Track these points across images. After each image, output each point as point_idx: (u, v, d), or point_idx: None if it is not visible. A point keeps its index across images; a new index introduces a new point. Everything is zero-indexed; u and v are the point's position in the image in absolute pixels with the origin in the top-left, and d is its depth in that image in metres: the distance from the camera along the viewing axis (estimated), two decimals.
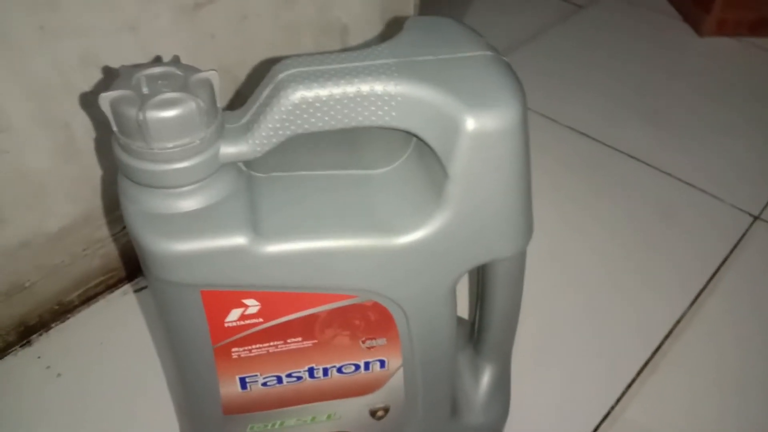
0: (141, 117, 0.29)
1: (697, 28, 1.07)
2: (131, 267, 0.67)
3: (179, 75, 0.31)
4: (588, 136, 0.86)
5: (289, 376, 0.39)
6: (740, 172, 0.80)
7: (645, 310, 0.64)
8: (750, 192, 0.77)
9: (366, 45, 0.33)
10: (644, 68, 0.99)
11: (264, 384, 0.39)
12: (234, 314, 0.35)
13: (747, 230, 0.72)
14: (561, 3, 1.16)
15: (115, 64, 0.54)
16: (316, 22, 0.68)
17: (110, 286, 0.66)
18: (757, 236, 0.71)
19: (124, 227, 0.63)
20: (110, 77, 0.54)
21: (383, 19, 0.74)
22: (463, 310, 0.59)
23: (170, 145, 0.30)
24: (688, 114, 0.90)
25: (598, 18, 1.12)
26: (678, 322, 0.62)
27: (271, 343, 0.37)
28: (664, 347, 0.60)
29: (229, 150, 0.32)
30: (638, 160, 0.82)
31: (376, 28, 0.74)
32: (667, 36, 1.07)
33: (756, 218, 0.74)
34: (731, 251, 0.69)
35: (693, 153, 0.83)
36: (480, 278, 0.42)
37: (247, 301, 0.35)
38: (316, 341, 0.38)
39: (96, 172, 0.59)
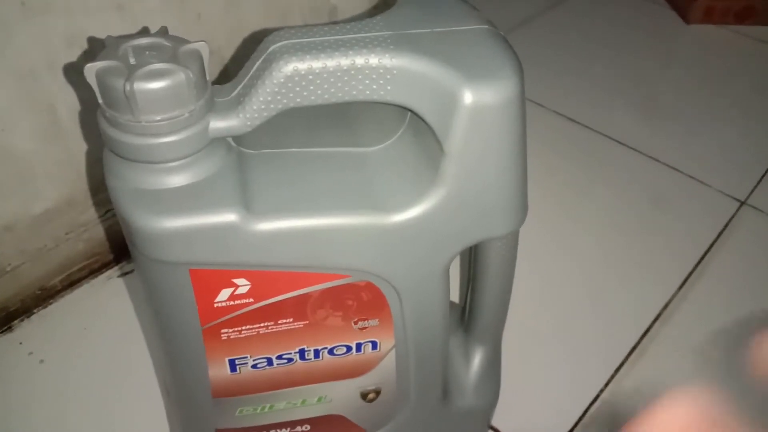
0: (128, 88, 0.28)
1: (684, 16, 1.07)
2: (115, 251, 0.65)
3: (168, 46, 0.30)
4: (576, 121, 0.86)
5: (279, 358, 0.38)
6: (727, 158, 0.81)
7: (634, 293, 0.64)
8: (737, 178, 0.77)
9: (351, 20, 0.32)
10: (631, 55, 0.99)
11: (254, 366, 0.38)
12: (224, 294, 0.34)
13: (734, 215, 0.72)
14: None
15: (91, 36, 0.53)
16: (305, 2, 0.67)
17: (94, 271, 0.65)
18: (744, 221, 0.72)
19: (108, 211, 0.62)
20: (96, 49, 0.52)
21: (371, 1, 0.74)
22: (454, 296, 0.59)
23: (158, 117, 0.29)
24: (676, 101, 0.91)
25: (586, 5, 1.12)
26: (666, 305, 0.63)
27: (262, 324, 0.36)
28: (652, 331, 0.60)
29: (218, 124, 0.31)
30: (626, 146, 0.82)
31: (364, 10, 0.73)
32: (654, 23, 1.07)
33: (742, 203, 0.74)
34: (718, 236, 0.70)
35: (681, 139, 0.83)
36: (472, 259, 0.42)
37: (237, 281, 0.34)
38: (307, 322, 0.37)
39: (80, 155, 0.58)
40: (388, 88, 0.31)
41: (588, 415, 0.54)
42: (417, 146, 0.34)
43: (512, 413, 0.52)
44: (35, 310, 0.61)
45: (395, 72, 0.30)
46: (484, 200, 0.34)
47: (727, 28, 1.05)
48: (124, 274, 0.64)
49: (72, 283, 0.63)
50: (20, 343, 0.58)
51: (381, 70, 0.30)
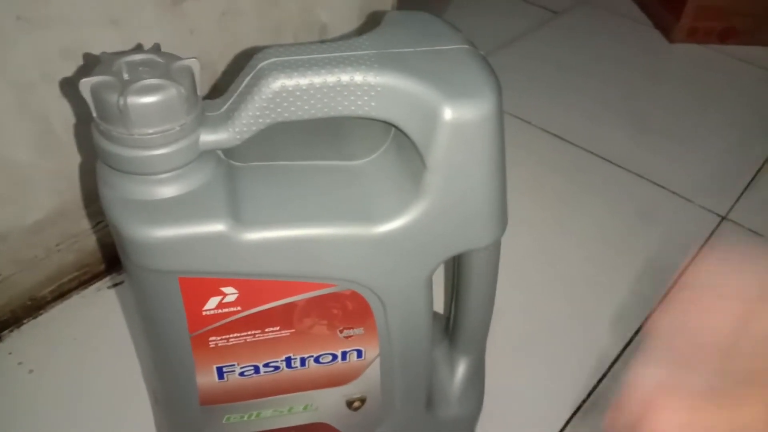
0: (122, 102, 0.29)
1: (668, 35, 1.10)
2: (105, 263, 0.66)
3: (160, 62, 0.31)
4: (562, 138, 0.87)
5: (266, 365, 0.39)
6: (709, 174, 0.82)
7: (617, 305, 0.65)
8: (718, 193, 0.79)
9: (337, 39, 0.33)
10: (617, 73, 1.02)
11: (241, 374, 0.39)
12: (212, 302, 0.35)
13: (714, 230, 0.74)
14: (538, 9, 1.18)
15: (86, 52, 0.54)
16: (296, 19, 0.68)
17: (84, 282, 0.65)
18: (725, 235, 0.73)
19: (99, 222, 0.63)
20: (91, 64, 0.54)
21: (361, 18, 0.75)
22: (439, 307, 0.60)
23: (151, 131, 0.30)
24: (660, 118, 0.93)
25: (573, 24, 1.14)
26: (648, 317, 0.64)
27: (249, 332, 0.37)
28: (635, 342, 0.62)
29: (209, 137, 0.32)
30: (611, 162, 0.84)
31: (354, 27, 0.75)
32: (639, 42, 1.10)
33: (723, 218, 0.76)
34: (699, 249, 0.71)
35: (665, 156, 0.85)
36: (455, 270, 0.43)
37: (225, 289, 0.35)
38: (293, 330, 0.38)
39: (73, 166, 0.59)
40: (373, 104, 0.32)
41: (570, 424, 0.55)
42: (401, 160, 0.35)
43: (496, 422, 0.53)
44: (25, 321, 0.61)
45: (379, 89, 0.32)
46: (465, 212, 0.35)
47: (710, 48, 1.08)
48: (113, 286, 0.65)
49: (62, 293, 0.64)
50: (9, 353, 0.59)
51: (365, 87, 0.32)
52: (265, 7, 0.64)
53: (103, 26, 0.53)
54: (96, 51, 0.53)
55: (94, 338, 0.60)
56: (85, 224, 0.63)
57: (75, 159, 0.58)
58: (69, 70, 0.53)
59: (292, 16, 0.67)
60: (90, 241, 0.64)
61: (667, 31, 1.11)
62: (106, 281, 0.65)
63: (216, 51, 0.63)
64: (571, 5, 1.19)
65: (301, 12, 0.68)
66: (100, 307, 0.63)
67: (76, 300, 0.64)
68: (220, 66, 0.64)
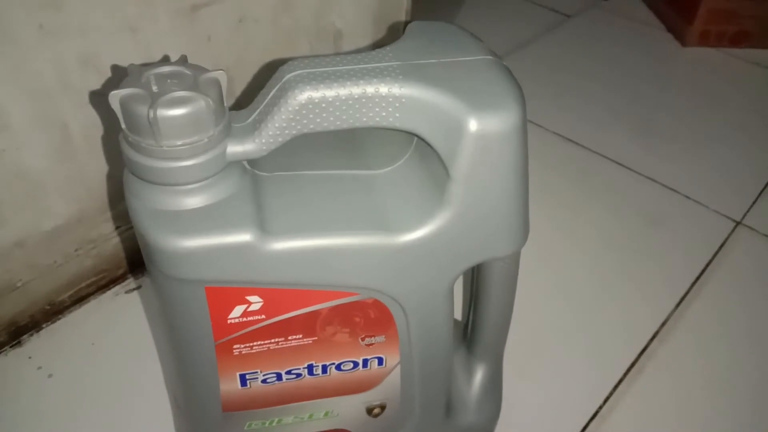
0: (152, 115, 0.29)
1: (681, 39, 1.10)
2: (123, 268, 0.67)
3: (188, 74, 0.32)
4: (575, 142, 0.87)
5: (288, 373, 0.40)
6: (723, 178, 0.82)
7: (631, 312, 0.65)
8: (732, 198, 0.79)
9: (360, 50, 0.33)
10: (630, 76, 1.01)
11: (264, 381, 0.40)
12: (237, 311, 0.35)
13: (729, 235, 0.74)
14: (549, 13, 1.18)
15: (114, 64, 0.54)
16: (311, 26, 0.68)
17: (102, 287, 0.66)
18: (740, 241, 0.73)
19: (118, 227, 0.64)
20: (118, 76, 0.54)
21: (376, 25, 0.76)
22: (457, 314, 0.60)
23: (179, 142, 0.31)
24: (673, 121, 0.93)
25: (585, 28, 1.14)
26: (663, 324, 0.64)
27: (273, 340, 0.37)
28: (649, 349, 0.62)
29: (236, 148, 0.33)
30: (624, 166, 0.84)
31: (368, 34, 0.75)
32: (651, 46, 1.10)
33: (738, 223, 0.76)
34: (714, 255, 0.71)
35: (677, 160, 0.85)
36: (475, 278, 0.43)
37: (250, 298, 0.35)
38: (316, 338, 0.38)
39: (91, 172, 0.59)
40: (397, 115, 0.32)
41: (587, 430, 0.55)
42: (423, 170, 0.36)
43: (513, 429, 0.53)
44: (44, 325, 0.62)
45: (404, 100, 0.32)
46: (488, 222, 0.35)
47: (723, 51, 1.08)
48: (131, 290, 0.66)
49: (80, 298, 0.64)
50: (29, 358, 0.59)
51: (390, 99, 0.32)
52: (279, 14, 0.65)
53: (122, 34, 0.54)
54: (114, 59, 0.54)
55: (111, 342, 0.60)
56: (103, 229, 0.63)
57: (92, 165, 0.59)
58: (87, 78, 0.54)
59: (307, 23, 0.68)
60: (108, 246, 0.64)
61: (679, 34, 1.10)
62: (124, 286, 0.66)
63: (231, 58, 0.63)
64: (583, 8, 1.19)
65: (316, 19, 0.68)
66: (118, 312, 0.63)
67: (93, 305, 0.64)
68: (235, 72, 0.65)
